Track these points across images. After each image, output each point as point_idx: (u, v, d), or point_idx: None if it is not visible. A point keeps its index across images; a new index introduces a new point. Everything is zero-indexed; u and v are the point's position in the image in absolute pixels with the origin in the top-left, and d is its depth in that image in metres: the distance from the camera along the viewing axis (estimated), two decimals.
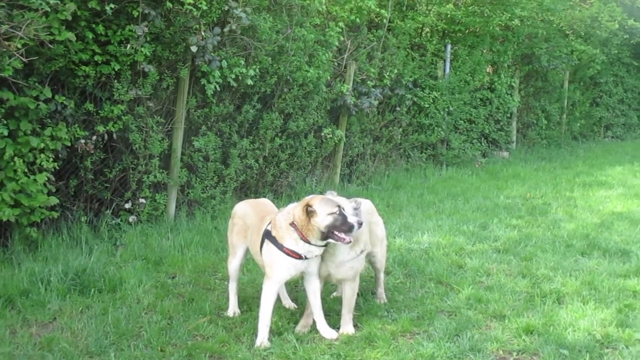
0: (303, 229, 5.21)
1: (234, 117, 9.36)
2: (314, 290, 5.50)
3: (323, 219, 5.16)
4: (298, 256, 5.27)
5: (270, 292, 5.34)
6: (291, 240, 5.25)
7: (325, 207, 5.19)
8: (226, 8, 8.53)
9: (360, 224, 5.22)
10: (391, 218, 9.48)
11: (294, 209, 5.30)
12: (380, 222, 6.32)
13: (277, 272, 5.31)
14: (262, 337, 5.27)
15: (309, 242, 5.24)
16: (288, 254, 5.26)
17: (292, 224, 5.25)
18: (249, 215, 5.90)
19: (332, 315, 5.82)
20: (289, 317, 5.83)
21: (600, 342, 5.32)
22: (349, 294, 5.59)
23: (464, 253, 7.80)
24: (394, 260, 7.38)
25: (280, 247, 5.27)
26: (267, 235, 5.38)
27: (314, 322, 5.57)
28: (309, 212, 5.19)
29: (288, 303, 6.12)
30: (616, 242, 8.20)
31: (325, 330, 5.47)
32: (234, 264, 5.96)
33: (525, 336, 5.41)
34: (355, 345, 5.27)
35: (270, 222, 5.45)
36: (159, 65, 8.33)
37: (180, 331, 5.45)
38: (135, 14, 7.57)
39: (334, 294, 6.34)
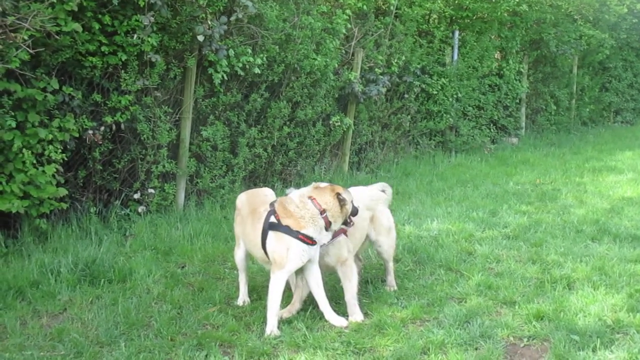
0: (332, 217, 5.38)
1: (242, 106, 9.35)
2: (316, 280, 5.51)
3: (350, 207, 5.46)
4: (312, 242, 5.32)
5: (281, 281, 5.33)
6: (315, 228, 5.33)
7: (349, 195, 5.48)
8: None
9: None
10: (400, 205, 9.47)
11: (322, 198, 5.38)
12: (386, 212, 6.35)
13: (292, 260, 5.30)
14: (272, 326, 5.27)
15: (328, 230, 5.43)
16: (303, 241, 5.29)
17: (323, 213, 5.34)
18: (244, 206, 5.94)
19: (342, 304, 5.82)
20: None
21: (611, 327, 5.29)
22: (344, 280, 5.65)
23: (473, 240, 7.78)
24: (404, 248, 7.37)
25: (295, 234, 5.28)
26: (275, 226, 5.37)
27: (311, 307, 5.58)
28: (340, 200, 5.39)
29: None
30: (626, 227, 8.17)
31: (334, 319, 5.46)
32: (239, 254, 5.98)
33: (535, 322, 5.39)
34: (366, 332, 5.26)
35: (271, 214, 5.44)
36: (165, 55, 8.31)
37: (190, 320, 5.46)
38: (142, 3, 7.54)
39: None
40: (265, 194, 6.07)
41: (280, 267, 5.32)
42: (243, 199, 6.05)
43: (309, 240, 5.30)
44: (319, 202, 5.36)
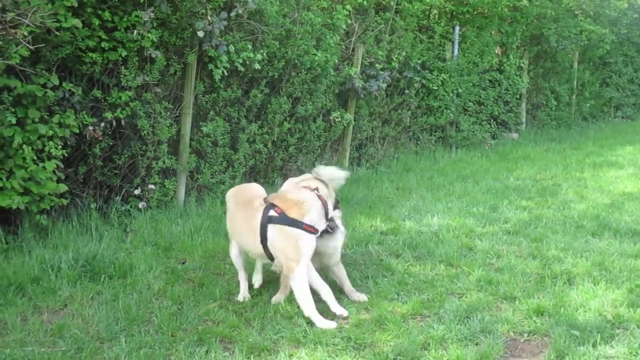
0: (325, 197, 5.56)
1: (242, 102, 9.34)
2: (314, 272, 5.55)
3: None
4: (315, 230, 5.38)
5: (303, 277, 5.31)
6: (318, 212, 5.44)
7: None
8: None
9: None
10: (401, 201, 9.47)
11: (308, 182, 5.56)
12: None
13: (305, 251, 5.32)
14: (321, 322, 5.28)
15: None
16: (309, 231, 5.33)
17: (317, 191, 5.51)
18: (230, 202, 5.97)
19: (337, 296, 5.83)
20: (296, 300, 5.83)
21: (612, 322, 5.29)
22: (340, 275, 6.02)
23: (474, 235, 7.78)
24: (404, 243, 7.37)
25: (301, 225, 5.29)
26: (279, 219, 5.35)
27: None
28: (322, 182, 5.64)
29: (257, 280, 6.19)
30: (627, 223, 8.16)
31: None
32: (234, 252, 5.99)
33: (536, 317, 5.39)
34: (366, 328, 5.26)
35: (269, 209, 5.43)
36: (166, 51, 8.30)
37: (190, 316, 5.46)
38: None
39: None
40: (255, 188, 6.10)
41: (297, 263, 5.29)
42: (229, 195, 6.08)
43: (312, 229, 5.35)
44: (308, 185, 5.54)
